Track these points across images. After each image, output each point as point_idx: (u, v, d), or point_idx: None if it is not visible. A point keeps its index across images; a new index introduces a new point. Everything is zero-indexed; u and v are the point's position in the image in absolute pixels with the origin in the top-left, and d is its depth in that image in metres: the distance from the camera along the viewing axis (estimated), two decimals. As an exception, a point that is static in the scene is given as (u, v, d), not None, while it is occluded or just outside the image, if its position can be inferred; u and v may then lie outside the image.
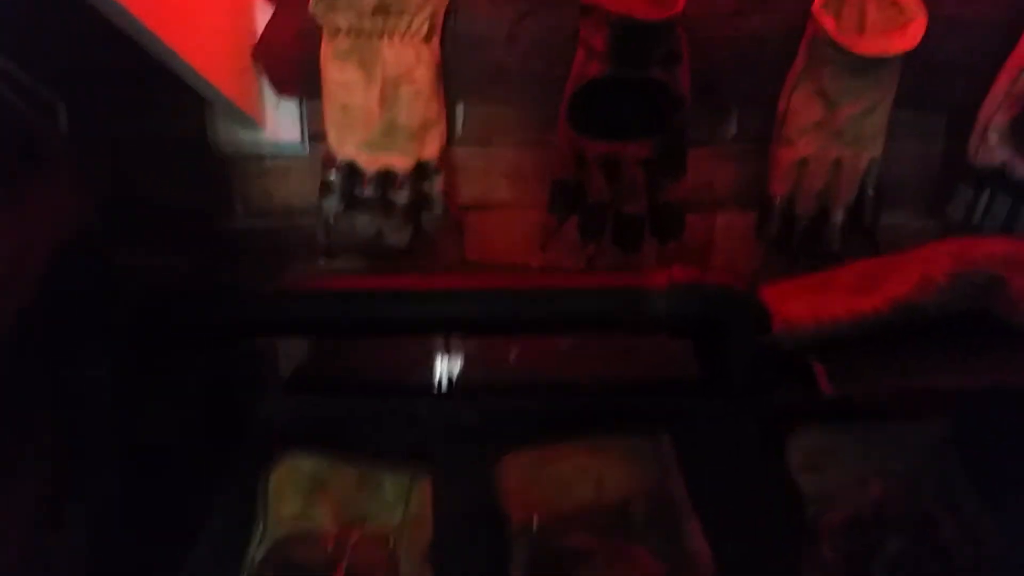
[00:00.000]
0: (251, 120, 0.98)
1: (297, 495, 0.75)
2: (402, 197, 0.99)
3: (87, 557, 0.78)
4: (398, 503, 0.76)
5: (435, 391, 0.89)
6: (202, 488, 0.79)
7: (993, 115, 0.96)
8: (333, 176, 0.98)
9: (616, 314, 0.81)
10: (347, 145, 0.96)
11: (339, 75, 0.91)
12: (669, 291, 0.81)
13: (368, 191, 0.98)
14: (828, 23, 0.88)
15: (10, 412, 0.70)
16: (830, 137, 0.97)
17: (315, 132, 1.04)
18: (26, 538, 0.71)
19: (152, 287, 0.84)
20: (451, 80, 0.98)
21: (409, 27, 0.90)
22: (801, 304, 0.89)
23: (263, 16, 0.96)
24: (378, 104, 0.91)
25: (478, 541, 0.75)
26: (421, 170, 0.98)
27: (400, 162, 0.96)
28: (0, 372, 0.69)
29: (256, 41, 0.97)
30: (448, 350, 0.91)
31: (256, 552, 0.73)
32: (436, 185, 1.00)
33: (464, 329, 0.83)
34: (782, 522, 0.74)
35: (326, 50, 0.91)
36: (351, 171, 0.98)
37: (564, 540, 0.72)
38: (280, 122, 1.01)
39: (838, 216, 1.04)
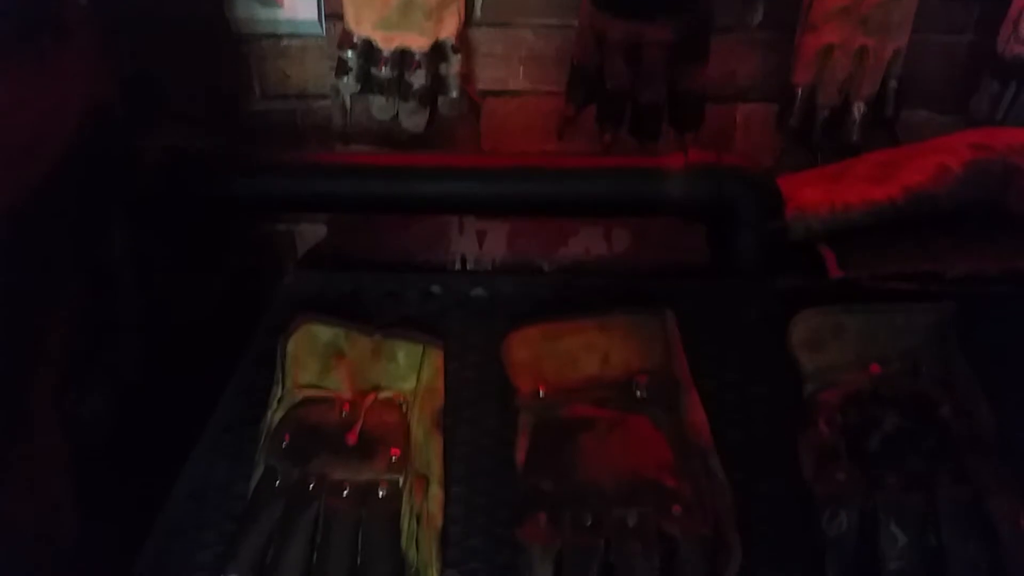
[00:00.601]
0: (269, -5, 0.97)
1: (314, 362, 0.78)
2: (419, 79, 0.98)
3: (112, 424, 0.82)
4: (411, 372, 0.79)
5: (449, 269, 0.91)
6: (223, 356, 0.82)
7: (1027, 3, 0.94)
8: (350, 55, 0.97)
9: (632, 195, 0.82)
10: (364, 23, 0.96)
11: (357, -54, 0.89)
12: (685, 172, 0.81)
13: (384, 72, 0.98)
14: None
15: (33, 280, 0.73)
16: (856, 24, 0.95)
17: (332, 12, 1.03)
18: (53, 404, 0.74)
19: (173, 159, 0.85)
20: (470, -45, 0.96)
21: None
22: (816, 192, 0.89)
23: None
24: (396, -21, 0.90)
25: (486, 409, 0.78)
26: (438, 50, 0.98)
27: (417, 42, 0.96)
28: (23, 240, 0.71)
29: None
30: (462, 230, 0.92)
31: (274, 415, 0.76)
32: (453, 67, 0.99)
33: (480, 207, 0.84)
34: (779, 398, 0.76)
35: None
36: (368, 50, 0.97)
37: (568, 409, 0.75)
38: (298, -1, 1.00)
39: (859, 108, 1.03)
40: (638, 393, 0.76)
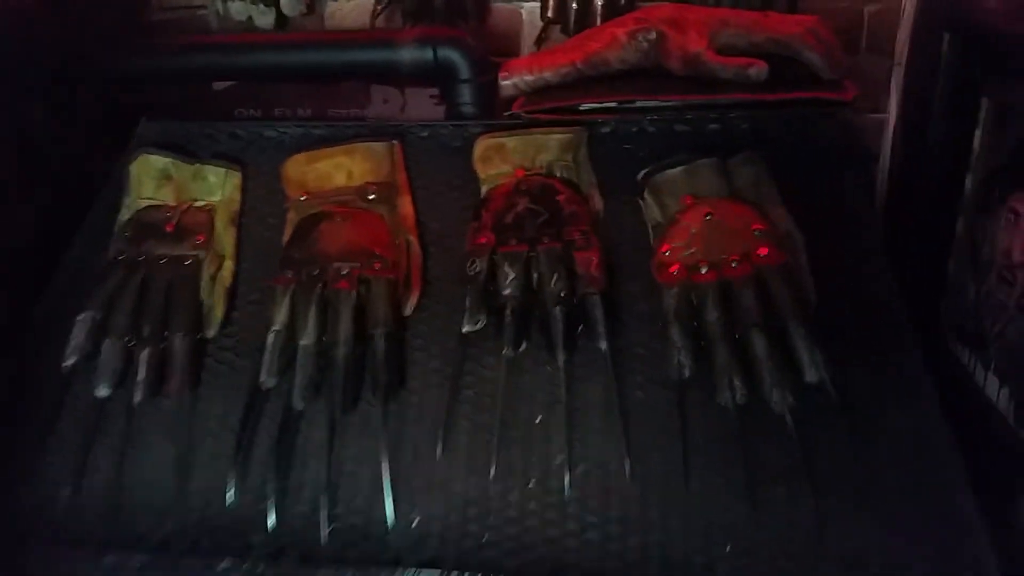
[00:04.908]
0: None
1: (150, 181, 1.12)
2: (263, -17, 1.30)
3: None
4: (218, 188, 1.12)
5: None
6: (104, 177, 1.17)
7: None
8: (212, -31, 1.30)
9: (373, 60, 1.14)
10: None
11: None
12: (409, 40, 1.12)
13: (236, -22, 1.30)
14: None
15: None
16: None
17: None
18: None
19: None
20: None
21: None
22: (524, 60, 1.20)
23: None
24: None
25: (269, 212, 1.12)
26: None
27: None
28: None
29: None
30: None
31: (122, 216, 1.11)
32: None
33: (261, 75, 1.17)
34: (468, 198, 1.08)
35: None
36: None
37: (319, 207, 1.08)
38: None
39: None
40: (370, 197, 1.08)
